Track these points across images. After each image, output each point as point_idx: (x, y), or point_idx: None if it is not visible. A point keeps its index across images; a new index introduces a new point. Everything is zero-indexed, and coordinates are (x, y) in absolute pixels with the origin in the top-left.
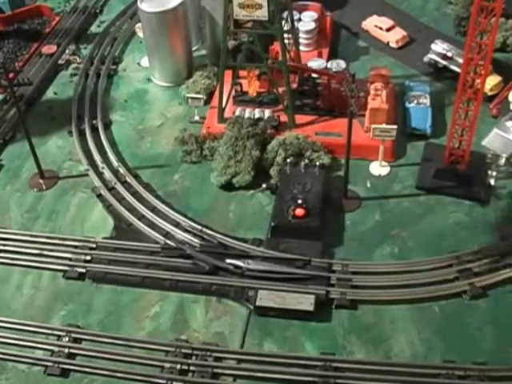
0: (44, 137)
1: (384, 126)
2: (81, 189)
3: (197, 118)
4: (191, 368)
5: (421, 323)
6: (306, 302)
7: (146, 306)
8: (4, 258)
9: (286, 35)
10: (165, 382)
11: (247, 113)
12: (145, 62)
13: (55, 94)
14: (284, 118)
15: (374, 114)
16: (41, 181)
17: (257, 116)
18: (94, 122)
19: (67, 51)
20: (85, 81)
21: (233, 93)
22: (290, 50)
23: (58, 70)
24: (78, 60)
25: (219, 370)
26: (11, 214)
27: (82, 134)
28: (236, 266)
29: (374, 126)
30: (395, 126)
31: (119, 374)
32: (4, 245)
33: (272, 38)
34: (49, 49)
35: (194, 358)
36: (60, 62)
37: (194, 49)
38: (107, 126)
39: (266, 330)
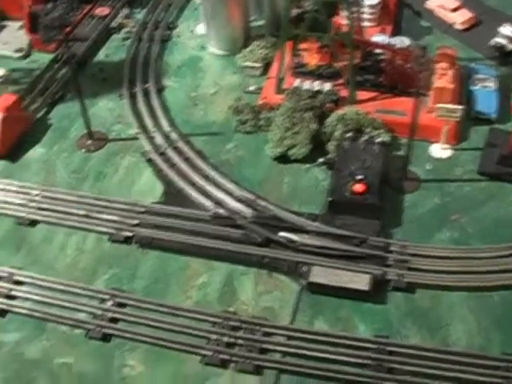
0: (94, 98)
1: (450, 105)
2: (130, 152)
3: (252, 87)
4: (238, 341)
5: (479, 312)
6: (362, 282)
7: (194, 275)
8: (49, 218)
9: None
10: (211, 353)
11: (306, 85)
12: (200, 29)
13: (107, 56)
14: (344, 92)
15: (440, 94)
16: (89, 142)
17: (316, 89)
18: (147, 86)
19: (120, 14)
20: (137, 45)
21: (292, 64)
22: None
23: (110, 32)
24: (131, 24)
25: (267, 346)
26: (58, 173)
27: (132, 98)
28: (289, 240)
29: (439, 105)
30: (461, 106)
31: (163, 343)
32: (50, 203)
33: (335, 9)
34: (102, 11)
35: (241, 331)
36: (113, 25)
37: (251, 19)
38: (160, 90)
39: (317, 308)
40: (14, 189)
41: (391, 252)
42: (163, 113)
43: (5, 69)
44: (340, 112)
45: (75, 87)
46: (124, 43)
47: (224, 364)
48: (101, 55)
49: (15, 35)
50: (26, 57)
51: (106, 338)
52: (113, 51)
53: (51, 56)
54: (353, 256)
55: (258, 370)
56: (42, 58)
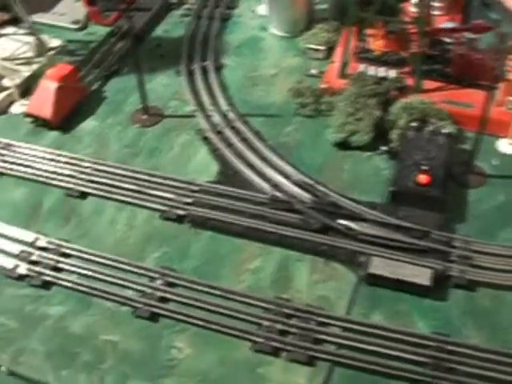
0: (150, 74)
1: None
2: (186, 129)
3: (314, 71)
4: (291, 330)
5: None
6: (423, 276)
7: (247, 258)
8: (99, 191)
9: None
10: (262, 340)
11: (371, 70)
12: (261, 9)
13: (165, 32)
14: (409, 80)
15: (511, 87)
16: (144, 117)
17: (381, 75)
18: (205, 63)
19: None
20: (197, 22)
21: (357, 49)
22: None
23: (169, 8)
24: (192, 1)
25: (322, 336)
26: (110, 147)
27: (190, 75)
28: (348, 228)
29: (510, 98)
30: None
31: (213, 326)
32: (101, 177)
33: None
34: None
35: (295, 319)
36: (172, 0)
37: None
38: (218, 69)
39: (374, 300)
40: (65, 160)
41: (454, 247)
42: (221, 91)
43: (61, 40)
44: (405, 100)
45: (134, 61)
46: (183, 20)
47: (276, 352)
48: (158, 31)
49: (72, 7)
50: (82, 29)
51: (153, 317)
52: (171, 27)
53: (108, 29)
54: (414, 249)
55: (310, 361)
56: (99, 31)
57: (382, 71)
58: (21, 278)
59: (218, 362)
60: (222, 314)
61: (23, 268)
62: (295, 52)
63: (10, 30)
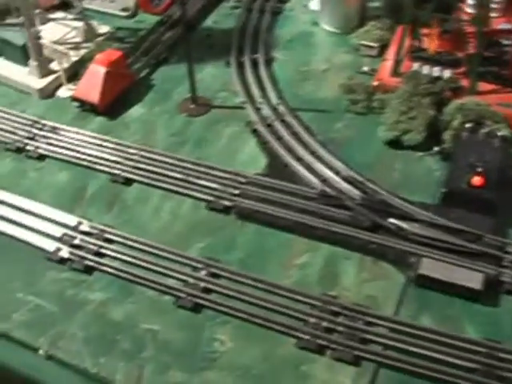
0: (199, 64)
1: None
2: (234, 121)
3: (365, 68)
4: (338, 328)
5: None
6: (474, 280)
7: (294, 253)
8: (145, 178)
9: None
10: (308, 337)
11: (425, 70)
12: (313, 4)
13: (215, 23)
14: (464, 81)
15: None
16: (192, 106)
17: (435, 75)
18: (255, 56)
19: None
20: (247, 15)
21: (410, 47)
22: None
23: (219, 0)
24: None
25: (368, 336)
26: (157, 135)
27: (240, 67)
28: (399, 227)
29: None
30: None
31: (257, 320)
32: (147, 164)
33: None
34: None
35: (342, 317)
36: None
37: None
38: (268, 62)
39: (423, 302)
40: (111, 146)
41: (507, 252)
42: (271, 84)
43: (109, 26)
44: (459, 101)
45: (185, 49)
46: (233, 12)
47: (321, 350)
48: (208, 22)
49: None
50: (131, 16)
51: (196, 308)
52: (221, 19)
53: (157, 18)
54: (466, 252)
55: (356, 361)
56: (148, 19)
57: (436, 71)
58: (62, 261)
59: (261, 358)
60: (266, 308)
61: (65, 251)
62: (347, 48)
63: (59, 14)
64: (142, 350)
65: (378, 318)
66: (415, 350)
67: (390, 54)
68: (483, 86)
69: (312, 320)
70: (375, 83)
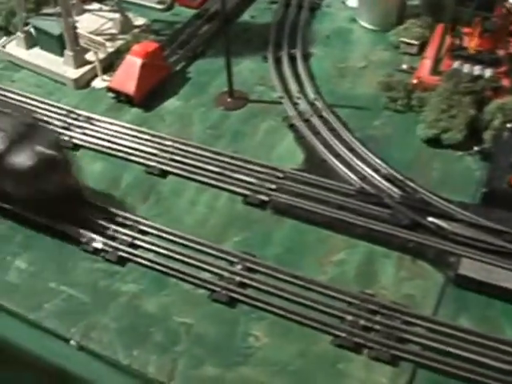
0: (236, 58)
1: None
2: (271, 116)
3: (404, 66)
4: (375, 326)
5: None
6: None
7: (331, 250)
8: (181, 170)
9: None
10: (344, 335)
11: (466, 68)
12: (351, 1)
13: (252, 17)
14: (505, 81)
15: None
16: (229, 100)
17: (476, 73)
18: (292, 51)
19: None
20: (285, 10)
21: (451, 46)
22: None
23: None
24: None
25: (406, 335)
26: (193, 127)
27: (277, 62)
28: (439, 226)
29: None
30: None
31: (293, 316)
32: (182, 156)
33: None
34: None
35: (379, 315)
36: None
37: None
38: (306, 57)
39: (462, 303)
40: (147, 137)
41: None
42: (309, 80)
43: (145, 19)
44: (500, 101)
45: (224, 42)
46: (270, 7)
47: (357, 348)
48: (245, 16)
49: None
50: (167, 9)
51: (231, 302)
52: (258, 13)
53: (193, 11)
54: (506, 253)
55: (393, 360)
56: (184, 13)
57: (477, 69)
58: (96, 252)
59: (296, 354)
60: (302, 304)
61: (99, 242)
62: (385, 46)
63: (94, 6)
64: (175, 343)
65: (416, 317)
66: (453, 350)
67: (430, 52)
68: None
69: (349, 318)
70: (414, 81)
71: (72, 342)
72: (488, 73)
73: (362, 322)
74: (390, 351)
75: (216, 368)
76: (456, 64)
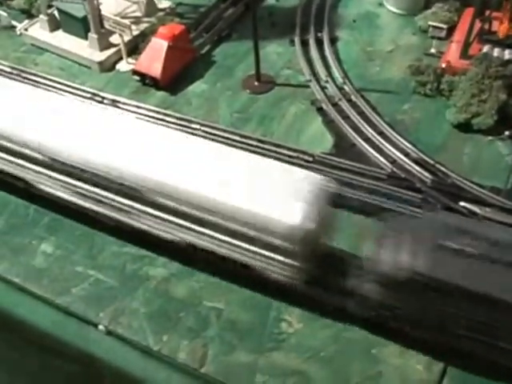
0: (262, 41)
1: None
2: (299, 99)
3: (433, 50)
4: None
5: None
6: None
7: (362, 234)
8: None
9: None
10: None
11: (496, 52)
12: None
13: (277, 1)
14: None
15: None
16: (256, 83)
17: (507, 57)
18: (319, 35)
19: None
20: None
21: (480, 30)
22: None
23: None
24: None
25: None
26: (220, 111)
27: (304, 45)
28: (471, 211)
29: None
30: None
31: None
32: (211, 140)
33: None
34: None
35: None
36: None
37: None
38: (333, 41)
39: None
40: (173, 120)
41: None
42: (336, 64)
43: (170, 2)
44: None
45: (252, 25)
46: None
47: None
48: (270, 0)
49: None
50: None
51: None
52: None
53: None
54: None
55: None
56: None
57: (507, 54)
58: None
59: (330, 340)
60: None
61: None
62: (413, 30)
63: None
64: (206, 328)
65: None
66: None
67: (459, 36)
68: None
69: None
70: (444, 65)
71: (100, 327)
72: None
73: None
74: None
75: (248, 354)
76: (486, 48)
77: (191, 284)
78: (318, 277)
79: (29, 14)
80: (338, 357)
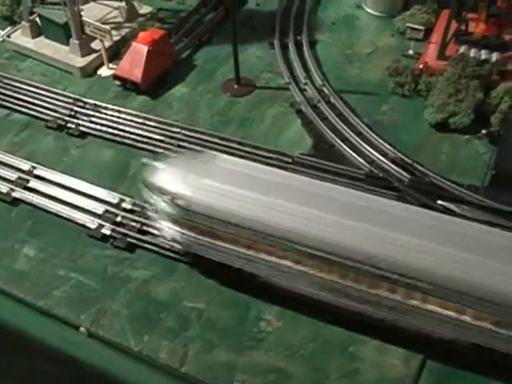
0: (242, 45)
1: None
2: (279, 102)
3: (411, 51)
4: None
5: None
6: None
7: None
8: None
9: None
10: None
11: (472, 53)
12: None
13: (257, 5)
14: (511, 65)
15: None
16: (236, 86)
17: (483, 57)
18: (298, 38)
19: None
20: None
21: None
22: None
23: None
24: None
25: None
26: (200, 114)
27: (283, 48)
28: (448, 209)
29: None
30: None
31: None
32: (190, 142)
33: None
34: None
35: None
36: None
37: None
38: (312, 44)
39: None
40: (154, 124)
41: None
42: (315, 66)
43: (151, 7)
44: (507, 84)
45: (231, 30)
46: None
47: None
48: (251, 4)
49: None
50: None
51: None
52: (263, 1)
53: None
54: None
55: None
56: (189, 1)
57: (483, 54)
58: (105, 238)
59: (308, 338)
60: None
61: (107, 228)
62: (392, 31)
63: None
64: (186, 328)
65: None
66: None
67: (436, 37)
68: None
69: None
70: (421, 66)
71: (81, 329)
72: (495, 57)
73: None
74: None
75: (228, 353)
76: (463, 49)
77: (172, 285)
78: None
79: (11, 20)
80: (317, 354)
